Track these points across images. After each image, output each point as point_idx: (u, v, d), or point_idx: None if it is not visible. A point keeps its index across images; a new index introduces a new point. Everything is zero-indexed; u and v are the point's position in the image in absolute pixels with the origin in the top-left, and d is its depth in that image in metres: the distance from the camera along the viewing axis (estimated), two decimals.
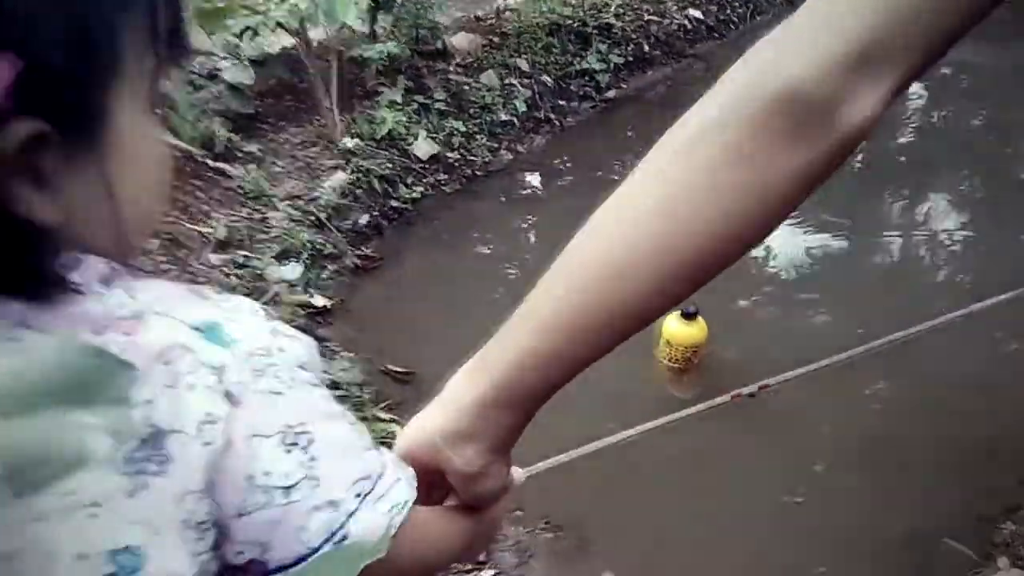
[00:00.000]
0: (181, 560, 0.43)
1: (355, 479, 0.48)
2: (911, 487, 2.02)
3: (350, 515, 0.47)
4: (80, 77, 0.40)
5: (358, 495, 0.48)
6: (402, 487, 0.51)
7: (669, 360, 2.45)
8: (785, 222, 0.51)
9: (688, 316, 2.35)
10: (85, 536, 0.40)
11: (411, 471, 0.54)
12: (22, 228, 0.39)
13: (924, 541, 1.86)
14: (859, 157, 3.74)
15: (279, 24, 3.34)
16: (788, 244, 3.07)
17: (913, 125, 4.16)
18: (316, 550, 0.46)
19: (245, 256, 2.78)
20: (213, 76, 3.60)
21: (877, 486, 2.03)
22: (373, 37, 3.86)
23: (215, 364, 0.43)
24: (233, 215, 3.00)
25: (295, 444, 0.45)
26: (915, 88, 4.59)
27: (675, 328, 2.38)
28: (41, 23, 0.38)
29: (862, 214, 3.30)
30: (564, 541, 1.95)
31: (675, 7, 4.81)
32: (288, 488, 0.45)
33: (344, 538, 0.47)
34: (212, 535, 0.44)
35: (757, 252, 3.02)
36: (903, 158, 3.80)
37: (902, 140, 4.01)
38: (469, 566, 1.84)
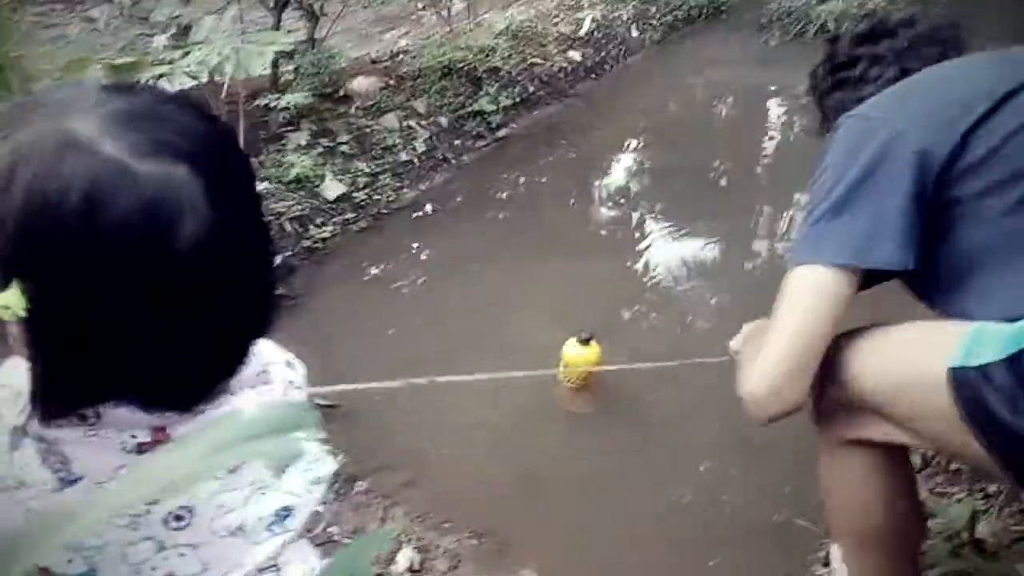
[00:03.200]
0: None
1: None
2: (772, 478, 2.43)
3: None
4: None
5: None
6: None
7: (568, 380, 2.78)
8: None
9: (583, 342, 2.70)
10: None
11: None
12: None
13: (782, 525, 2.27)
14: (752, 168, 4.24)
15: (186, 74, 3.48)
16: (673, 263, 3.50)
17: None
18: None
19: None
20: None
21: (748, 480, 2.43)
22: (275, 84, 4.05)
23: None
24: None
25: None
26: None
27: (572, 352, 2.72)
28: None
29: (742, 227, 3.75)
30: (486, 546, 2.24)
31: (556, 50, 5.23)
32: None
33: None
34: None
35: (647, 274, 3.44)
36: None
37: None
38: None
